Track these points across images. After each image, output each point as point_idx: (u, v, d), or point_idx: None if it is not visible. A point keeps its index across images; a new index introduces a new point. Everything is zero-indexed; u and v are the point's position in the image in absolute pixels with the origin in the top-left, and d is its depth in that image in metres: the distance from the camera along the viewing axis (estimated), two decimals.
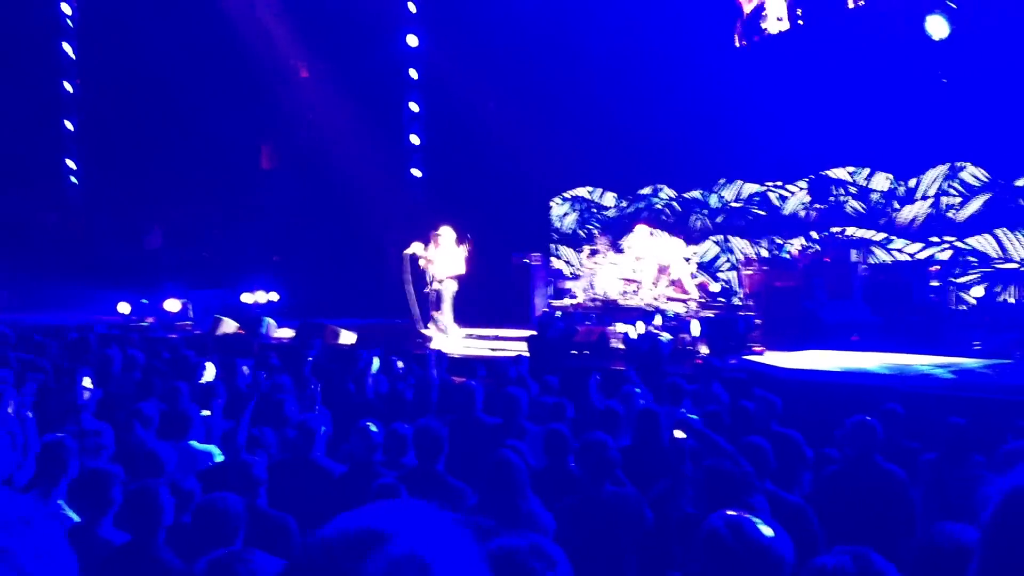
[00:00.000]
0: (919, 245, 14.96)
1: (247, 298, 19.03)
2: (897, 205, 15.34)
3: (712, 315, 13.73)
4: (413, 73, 21.30)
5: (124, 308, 18.32)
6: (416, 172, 21.51)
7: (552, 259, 19.60)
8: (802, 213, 16.55)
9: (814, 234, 16.16)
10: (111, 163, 22.43)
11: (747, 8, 16.71)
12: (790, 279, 13.29)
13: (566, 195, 20.38)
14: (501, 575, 2.12)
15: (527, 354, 10.84)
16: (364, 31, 20.22)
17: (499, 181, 18.80)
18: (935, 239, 14.80)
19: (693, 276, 15.99)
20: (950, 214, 14.67)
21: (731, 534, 2.49)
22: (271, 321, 15.68)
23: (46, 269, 20.76)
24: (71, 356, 10.18)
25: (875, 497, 5.00)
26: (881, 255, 15.29)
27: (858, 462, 5.20)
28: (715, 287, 16.54)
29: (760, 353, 11.23)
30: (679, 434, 4.74)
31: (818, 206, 16.16)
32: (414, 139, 21.45)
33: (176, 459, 5.24)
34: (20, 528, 0.99)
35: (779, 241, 16.57)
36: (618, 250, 16.59)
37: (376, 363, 8.79)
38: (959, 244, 14.47)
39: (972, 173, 14.48)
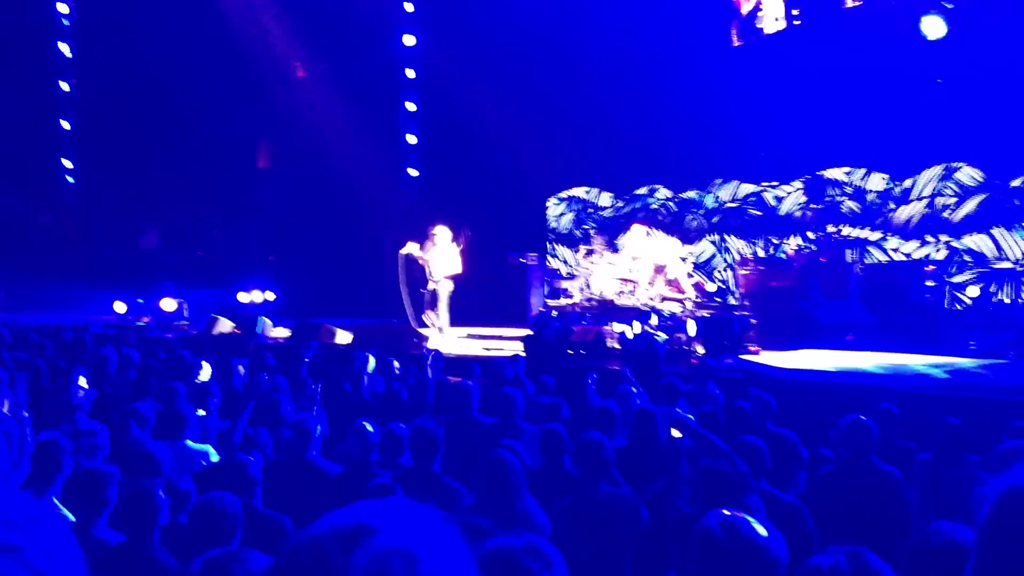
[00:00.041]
0: (915, 244, 14.96)
1: (243, 298, 19.01)
2: (892, 205, 15.35)
3: (708, 315, 13.73)
4: (410, 73, 21.28)
5: (120, 308, 18.30)
6: (413, 172, 21.50)
7: (548, 258, 19.61)
8: (798, 213, 16.56)
9: (810, 234, 16.18)
10: (107, 163, 22.39)
11: (744, 8, 16.72)
12: (786, 279, 13.30)
13: (562, 195, 20.38)
14: (497, 575, 2.12)
15: (523, 354, 10.84)
16: (361, 30, 20.21)
17: (496, 181, 18.80)
18: (930, 239, 14.81)
19: (689, 276, 16.00)
20: (945, 214, 14.69)
21: (725, 533, 2.49)
22: (267, 321, 15.67)
23: (42, 269, 20.72)
24: (67, 356, 10.17)
25: (871, 497, 5.01)
26: (877, 255, 15.30)
27: (854, 462, 5.21)
28: (711, 287, 16.56)
29: (756, 353, 11.24)
30: (676, 433, 4.75)
31: (814, 206, 16.17)
32: (411, 139, 21.44)
33: (172, 459, 5.24)
34: (30, 526, 0.98)
35: (775, 241, 16.59)
36: (614, 250, 16.60)
37: (372, 363, 8.79)
38: (955, 244, 14.48)
39: (968, 173, 14.49)
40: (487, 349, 13.13)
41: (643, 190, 19.04)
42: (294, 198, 21.56)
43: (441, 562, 1.00)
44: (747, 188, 17.41)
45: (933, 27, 13.78)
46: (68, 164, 24.02)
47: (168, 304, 18.04)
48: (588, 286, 16.10)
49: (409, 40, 20.97)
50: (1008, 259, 13.95)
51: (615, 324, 13.71)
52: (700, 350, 11.67)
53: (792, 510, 4.45)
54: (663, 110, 17.12)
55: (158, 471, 4.76)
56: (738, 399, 6.99)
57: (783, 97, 15.49)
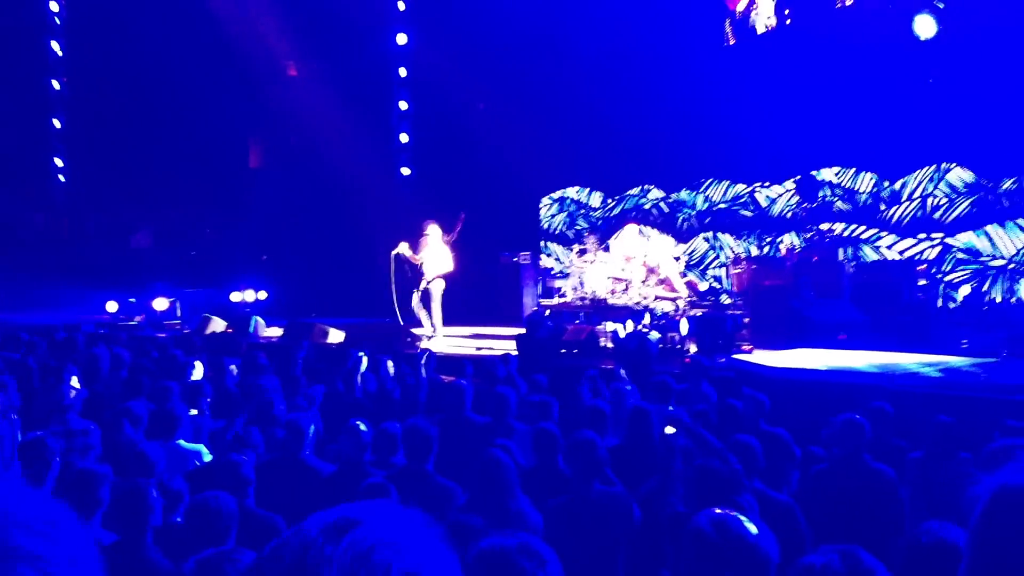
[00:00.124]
0: (909, 241, 14.98)
1: (236, 297, 18.99)
2: (883, 207, 15.38)
3: (700, 314, 13.74)
4: (402, 71, 21.26)
5: (112, 307, 18.27)
6: (405, 171, 21.49)
7: (542, 256, 19.63)
8: (789, 214, 16.58)
9: (803, 234, 16.19)
10: (99, 162, 22.34)
11: (738, 8, 16.73)
12: (778, 278, 13.32)
13: (555, 195, 20.40)
14: (491, 574, 2.12)
15: (515, 353, 10.84)
16: (352, 29, 20.18)
17: (488, 180, 18.79)
18: (923, 235, 14.84)
19: (682, 275, 16.02)
20: (936, 215, 14.71)
21: (715, 531, 2.50)
22: (260, 320, 15.65)
23: (33, 268, 20.65)
24: (58, 355, 10.14)
25: (864, 495, 5.02)
26: (869, 253, 15.34)
27: (847, 460, 5.22)
28: (703, 286, 16.58)
29: (748, 352, 11.26)
30: (669, 430, 4.75)
31: (806, 205, 16.20)
32: (403, 138, 21.42)
33: (165, 459, 5.23)
34: (48, 531, 0.93)
35: (768, 239, 16.62)
36: (607, 249, 16.61)
37: (364, 362, 8.78)
38: (949, 240, 14.51)
39: (959, 175, 14.53)
40: (478, 349, 13.12)
41: (635, 190, 19.06)
42: (286, 197, 21.52)
43: (424, 556, 1.01)
44: (738, 188, 17.44)
45: (925, 26, 13.80)
46: (60, 163, 23.95)
47: (160, 303, 18.01)
48: (581, 285, 16.11)
49: (401, 39, 20.94)
50: (1003, 256, 13.98)
51: (608, 323, 13.73)
52: (693, 349, 11.68)
53: (785, 509, 4.46)
54: (655, 110, 17.13)
55: (151, 471, 4.75)
56: (731, 398, 7.00)
57: (775, 97, 15.51)
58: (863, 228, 15.55)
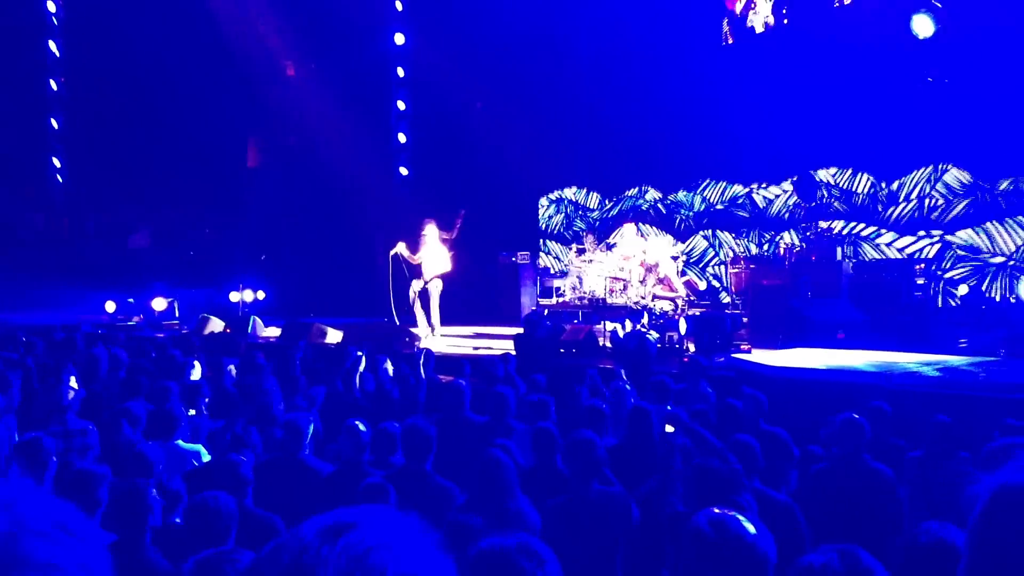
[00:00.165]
0: (909, 239, 14.97)
1: (234, 297, 18.98)
2: (881, 208, 15.38)
3: (699, 313, 13.75)
4: (400, 71, 21.26)
5: (111, 307, 18.26)
6: (403, 170, 21.49)
7: (541, 256, 19.63)
8: (786, 216, 16.58)
9: (801, 233, 16.18)
10: (97, 162, 22.34)
11: (736, 8, 16.73)
12: (777, 277, 13.32)
13: (552, 195, 20.40)
14: (490, 574, 2.12)
15: (514, 352, 10.83)
16: (351, 29, 20.19)
17: (486, 180, 18.80)
18: (922, 232, 14.84)
19: (681, 274, 16.02)
20: (934, 216, 14.72)
21: (713, 530, 2.49)
22: (258, 320, 15.64)
23: (32, 268, 20.66)
24: (57, 355, 10.13)
25: (863, 495, 5.02)
26: (869, 251, 15.33)
27: (846, 460, 5.22)
28: (702, 285, 16.58)
29: (747, 351, 11.26)
30: (669, 429, 4.75)
31: (804, 205, 16.19)
32: (401, 137, 21.43)
33: (164, 459, 5.22)
34: (62, 537, 0.91)
35: (768, 236, 16.63)
36: (606, 248, 16.61)
37: (363, 362, 8.77)
38: (948, 238, 14.51)
39: (956, 176, 14.53)
40: (476, 348, 13.12)
41: (632, 191, 19.07)
42: (285, 197, 21.53)
43: (419, 559, 1.01)
44: (736, 189, 17.44)
45: (923, 26, 13.81)
46: (58, 163, 23.94)
47: (159, 303, 18.01)
48: (580, 285, 16.11)
49: (399, 39, 20.95)
50: (1002, 253, 13.98)
51: (607, 323, 13.73)
52: (691, 348, 11.68)
53: (784, 508, 4.46)
54: (653, 110, 17.15)
55: (150, 471, 4.74)
56: (730, 398, 6.99)
57: (772, 97, 15.52)
58: (862, 225, 15.55)
